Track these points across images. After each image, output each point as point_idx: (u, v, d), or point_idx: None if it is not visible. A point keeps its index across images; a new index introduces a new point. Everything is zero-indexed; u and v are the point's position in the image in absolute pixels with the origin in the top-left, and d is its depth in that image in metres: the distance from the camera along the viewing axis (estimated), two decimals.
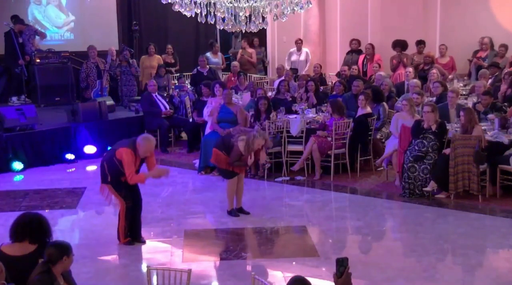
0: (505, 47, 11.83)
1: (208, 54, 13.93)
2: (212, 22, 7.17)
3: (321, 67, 13.05)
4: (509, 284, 5.84)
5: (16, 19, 12.75)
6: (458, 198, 8.06)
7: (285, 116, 9.75)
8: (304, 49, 13.93)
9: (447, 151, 8.07)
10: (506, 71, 10.61)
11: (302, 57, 13.89)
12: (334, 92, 11.04)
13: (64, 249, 4.10)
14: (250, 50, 14.64)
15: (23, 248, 4.32)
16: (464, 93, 10.83)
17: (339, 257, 3.43)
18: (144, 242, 6.81)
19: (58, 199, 8.42)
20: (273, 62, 15.08)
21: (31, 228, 4.39)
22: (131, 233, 6.77)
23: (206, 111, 10.21)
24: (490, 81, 10.83)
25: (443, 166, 8.00)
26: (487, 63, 11.75)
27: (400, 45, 12.46)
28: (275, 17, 7.63)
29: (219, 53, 14.28)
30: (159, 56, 13.60)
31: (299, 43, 13.91)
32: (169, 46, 14.13)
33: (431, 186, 8.07)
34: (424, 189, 8.10)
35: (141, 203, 6.82)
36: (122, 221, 6.67)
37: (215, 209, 7.97)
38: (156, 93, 11.41)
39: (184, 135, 11.81)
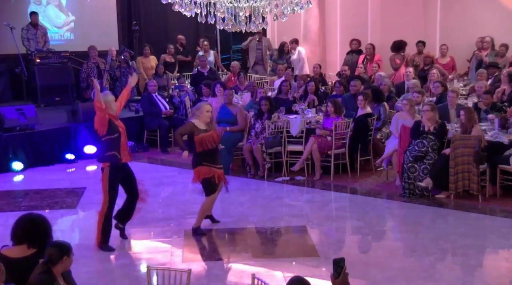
0: (505, 46, 11.83)
1: (201, 53, 13.92)
2: (212, 22, 7.17)
3: (320, 67, 13.00)
4: (509, 284, 5.84)
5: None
6: (458, 198, 8.06)
7: (285, 116, 9.75)
8: (298, 48, 13.86)
9: (447, 151, 8.07)
10: (505, 71, 10.60)
11: (295, 56, 13.82)
12: (334, 92, 11.04)
13: (64, 249, 4.09)
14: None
15: (23, 251, 4.30)
16: (464, 93, 10.83)
17: (336, 258, 3.43)
18: (126, 238, 6.83)
19: (58, 199, 8.42)
20: None
21: (31, 231, 4.32)
22: (120, 217, 6.78)
23: None
24: (489, 81, 10.83)
25: (443, 166, 7.99)
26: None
27: (398, 46, 12.41)
28: (275, 17, 7.63)
29: (211, 51, 14.21)
30: (154, 57, 13.61)
31: (293, 43, 13.86)
32: (171, 46, 14.12)
33: (426, 182, 8.04)
34: (418, 183, 8.08)
35: (137, 192, 6.77)
36: (100, 225, 6.57)
37: (214, 209, 7.93)
38: (156, 93, 11.41)
39: None
